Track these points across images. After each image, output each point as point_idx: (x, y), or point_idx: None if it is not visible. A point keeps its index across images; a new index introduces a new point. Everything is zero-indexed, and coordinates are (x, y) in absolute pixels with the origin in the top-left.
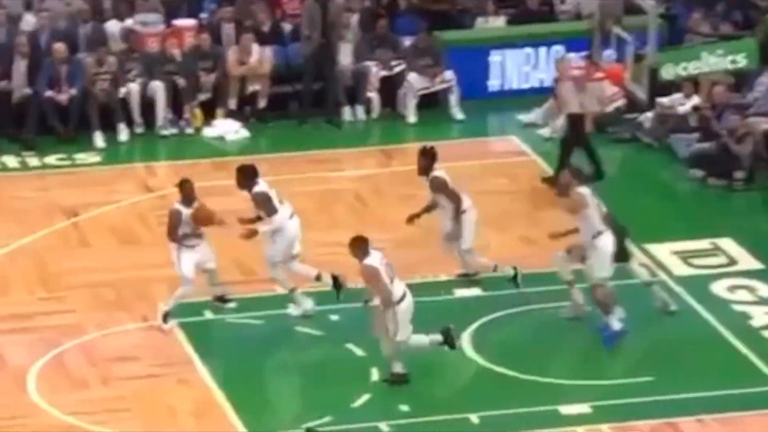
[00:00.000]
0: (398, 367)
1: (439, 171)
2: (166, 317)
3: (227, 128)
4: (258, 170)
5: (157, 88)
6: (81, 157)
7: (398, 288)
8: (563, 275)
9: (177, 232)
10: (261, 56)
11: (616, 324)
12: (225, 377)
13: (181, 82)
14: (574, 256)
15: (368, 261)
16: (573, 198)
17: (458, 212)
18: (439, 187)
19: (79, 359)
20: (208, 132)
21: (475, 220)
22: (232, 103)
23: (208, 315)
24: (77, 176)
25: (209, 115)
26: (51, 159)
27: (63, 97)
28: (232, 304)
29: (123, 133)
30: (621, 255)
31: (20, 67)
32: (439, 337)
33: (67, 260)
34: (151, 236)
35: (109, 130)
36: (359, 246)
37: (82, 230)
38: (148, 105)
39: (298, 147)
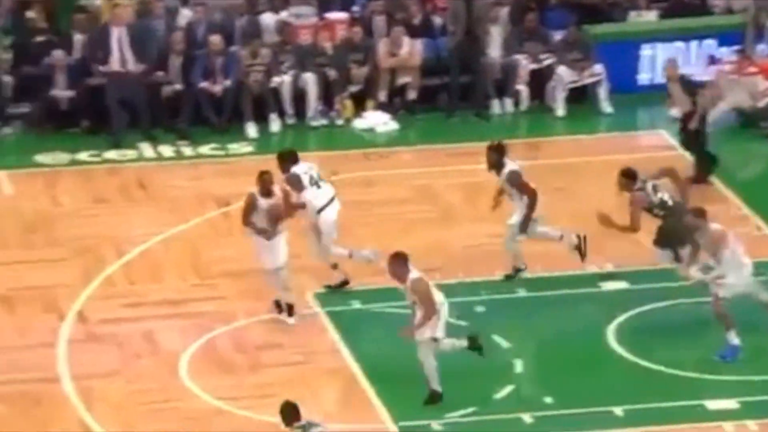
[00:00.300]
0: (435, 384)
1: (512, 164)
2: (291, 310)
3: (377, 120)
4: (297, 156)
5: (309, 79)
6: (234, 147)
7: (437, 296)
8: (695, 281)
9: (249, 218)
10: (411, 49)
11: (735, 339)
12: (370, 366)
13: (332, 74)
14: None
15: (415, 275)
16: (711, 237)
17: (532, 206)
18: (517, 181)
19: (228, 345)
20: (358, 123)
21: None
22: (382, 95)
23: (356, 304)
24: (230, 166)
25: (359, 106)
26: (205, 149)
27: (217, 88)
28: (291, 320)
29: (275, 124)
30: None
31: (175, 62)
32: (464, 343)
33: (218, 248)
34: (299, 226)
35: (262, 120)
36: (402, 262)
37: (233, 219)
38: (299, 96)
39: (447, 139)
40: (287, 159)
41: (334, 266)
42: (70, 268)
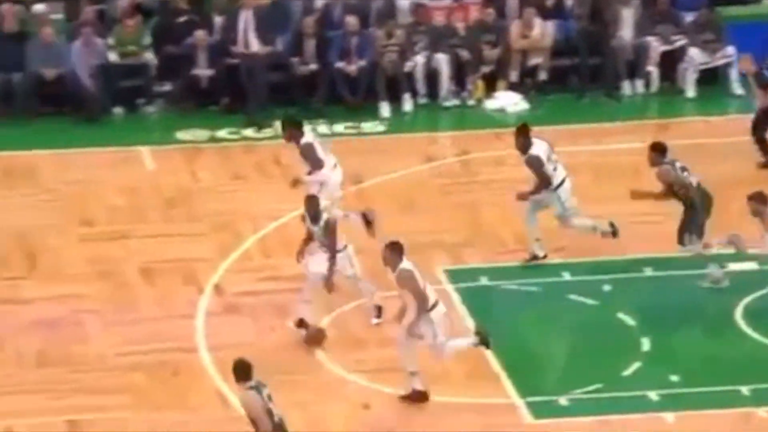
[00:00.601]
0: (417, 384)
1: (536, 148)
2: (379, 312)
3: (508, 100)
4: (303, 124)
5: (442, 60)
6: (367, 125)
7: (430, 294)
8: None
9: (305, 245)
10: (543, 30)
11: None
12: (498, 342)
13: (464, 54)
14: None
15: (404, 265)
16: None
17: (537, 190)
18: (533, 166)
19: (358, 320)
20: (489, 104)
21: (569, 188)
22: (514, 76)
23: (484, 281)
24: (363, 144)
25: (491, 87)
26: (339, 127)
27: (352, 68)
28: (376, 321)
29: (407, 104)
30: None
31: (309, 45)
32: (473, 339)
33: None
34: (430, 204)
35: (395, 100)
36: (396, 251)
37: (365, 196)
38: (432, 76)
39: (577, 119)
40: (295, 126)
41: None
42: (208, 242)
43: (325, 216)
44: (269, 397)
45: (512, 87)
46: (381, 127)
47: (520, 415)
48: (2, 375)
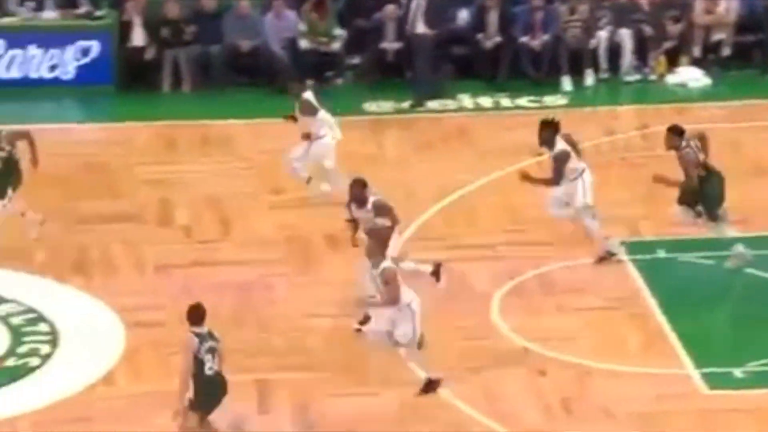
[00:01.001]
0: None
1: (561, 144)
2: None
3: (690, 75)
4: (306, 83)
5: (625, 35)
6: (549, 99)
7: (407, 294)
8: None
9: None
10: (728, 6)
11: None
12: (674, 313)
13: (647, 30)
14: None
15: (387, 264)
16: None
17: (547, 184)
18: (560, 163)
19: (536, 288)
20: (671, 79)
21: (590, 181)
22: (696, 51)
23: (661, 253)
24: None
25: (673, 62)
26: (522, 100)
27: (536, 43)
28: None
29: (590, 78)
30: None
31: (492, 19)
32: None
33: (530, 196)
34: (609, 176)
35: (576, 74)
36: (382, 248)
37: (546, 168)
38: (614, 51)
39: (760, 95)
40: (297, 84)
41: (309, 180)
42: None
43: (372, 199)
44: (210, 350)
45: (695, 62)
46: (563, 101)
47: (695, 385)
48: None
